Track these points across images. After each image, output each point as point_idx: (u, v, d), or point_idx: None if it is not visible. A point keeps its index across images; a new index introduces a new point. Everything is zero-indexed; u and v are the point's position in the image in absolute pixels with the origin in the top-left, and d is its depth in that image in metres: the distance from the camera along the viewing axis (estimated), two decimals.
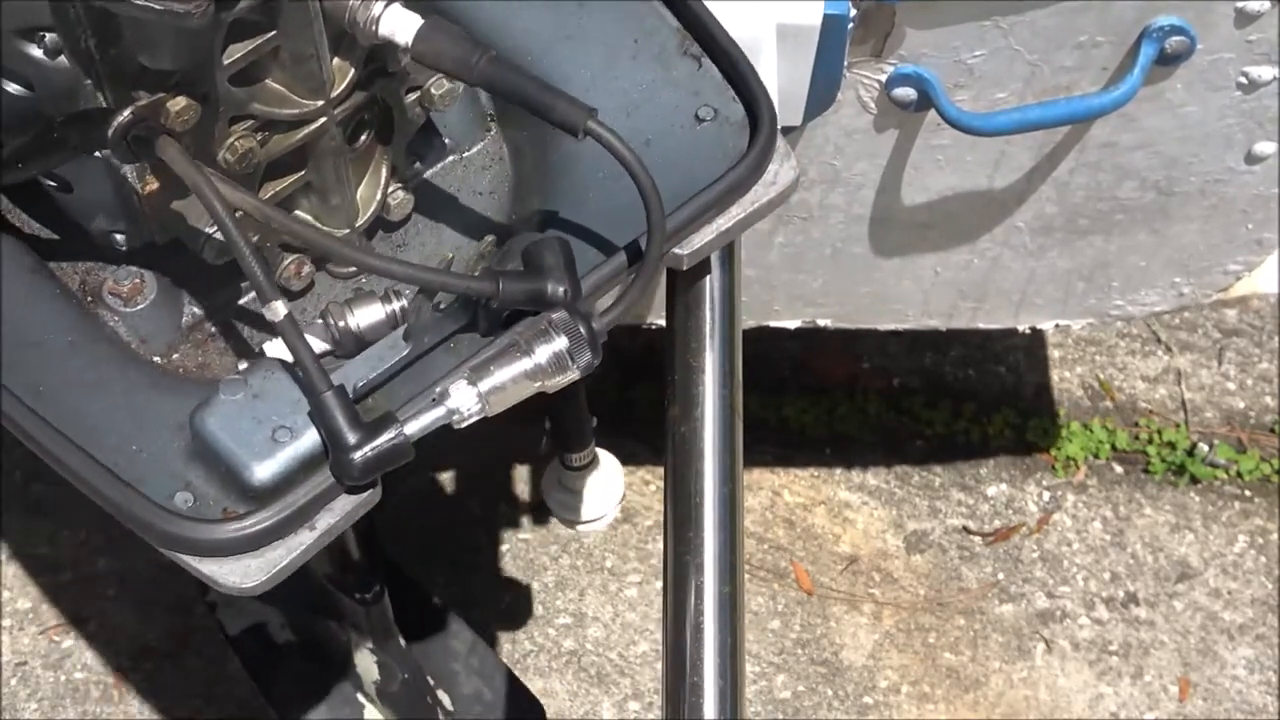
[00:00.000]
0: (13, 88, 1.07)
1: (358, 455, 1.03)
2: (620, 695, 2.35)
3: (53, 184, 1.16)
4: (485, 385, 1.05)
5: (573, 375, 1.08)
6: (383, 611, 1.82)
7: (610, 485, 2.05)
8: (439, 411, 1.05)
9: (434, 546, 2.42)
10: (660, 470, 1.99)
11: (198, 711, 2.30)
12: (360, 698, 1.98)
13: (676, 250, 1.19)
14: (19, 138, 1.09)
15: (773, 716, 2.35)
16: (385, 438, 1.04)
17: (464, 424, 1.06)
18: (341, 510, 1.07)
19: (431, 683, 1.98)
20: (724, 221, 1.20)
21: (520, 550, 2.47)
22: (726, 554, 1.22)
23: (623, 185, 1.13)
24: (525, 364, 1.06)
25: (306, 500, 1.06)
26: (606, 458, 2.05)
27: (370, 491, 1.08)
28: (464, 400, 1.05)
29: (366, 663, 1.93)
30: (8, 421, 1.10)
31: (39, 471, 2.49)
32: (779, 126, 1.23)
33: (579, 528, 2.08)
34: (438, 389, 1.06)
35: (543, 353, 1.06)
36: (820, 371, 2.68)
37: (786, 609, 2.44)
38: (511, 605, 2.42)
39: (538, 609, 2.42)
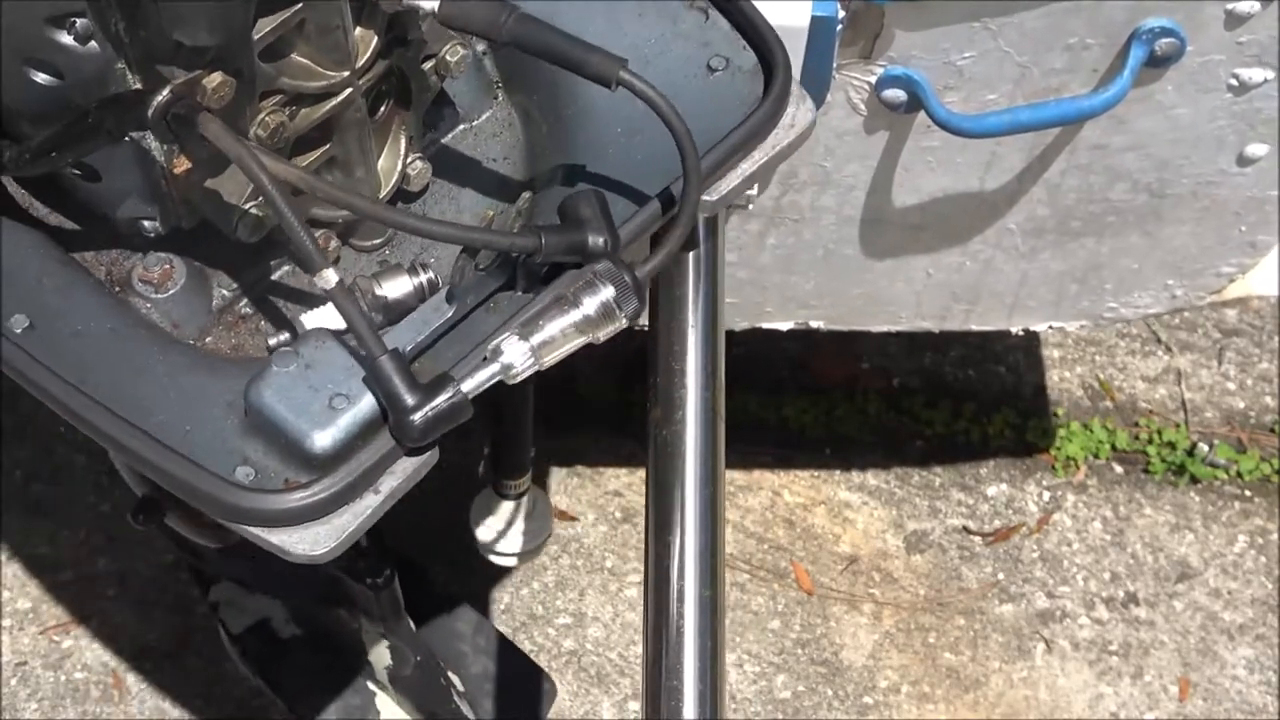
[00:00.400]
0: (42, 77, 1.07)
1: (418, 416, 1.04)
2: (620, 695, 2.35)
3: (79, 173, 1.16)
4: (536, 339, 1.06)
5: (620, 324, 1.09)
6: (393, 596, 1.82)
7: (538, 523, 2.03)
8: (493, 368, 1.06)
9: (434, 546, 2.42)
10: None
11: (198, 711, 2.31)
12: (371, 686, 1.98)
13: (705, 197, 1.20)
14: (50, 127, 1.09)
15: (773, 716, 2.35)
16: (443, 397, 1.05)
17: (518, 379, 1.07)
18: (403, 472, 1.09)
19: (442, 664, 1.98)
20: (748, 166, 1.22)
21: None
22: (708, 558, 1.22)
23: (639, 140, 1.14)
24: (574, 315, 1.07)
25: (369, 465, 1.07)
26: (539, 495, 2.04)
27: (430, 453, 1.09)
28: (516, 355, 1.06)
29: (378, 649, 1.93)
30: (64, 411, 1.11)
31: (39, 471, 2.50)
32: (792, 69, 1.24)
33: (495, 558, 2.06)
34: (490, 346, 1.07)
35: (590, 303, 1.07)
36: (820, 372, 2.68)
37: (786, 609, 2.44)
38: (511, 605, 2.42)
39: (538, 609, 2.42)
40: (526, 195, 1.27)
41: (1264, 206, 1.74)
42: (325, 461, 1.06)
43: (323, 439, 1.06)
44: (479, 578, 2.43)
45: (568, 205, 1.12)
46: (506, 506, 2.00)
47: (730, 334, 1.98)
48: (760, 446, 2.59)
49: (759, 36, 1.25)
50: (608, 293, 1.08)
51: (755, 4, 1.34)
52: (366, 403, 1.07)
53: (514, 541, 2.02)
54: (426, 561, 2.39)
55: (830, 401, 2.64)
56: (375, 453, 1.07)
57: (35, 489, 2.48)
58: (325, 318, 1.17)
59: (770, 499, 2.55)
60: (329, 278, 1.03)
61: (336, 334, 1.10)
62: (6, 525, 2.45)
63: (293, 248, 1.03)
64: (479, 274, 1.12)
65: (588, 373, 2.58)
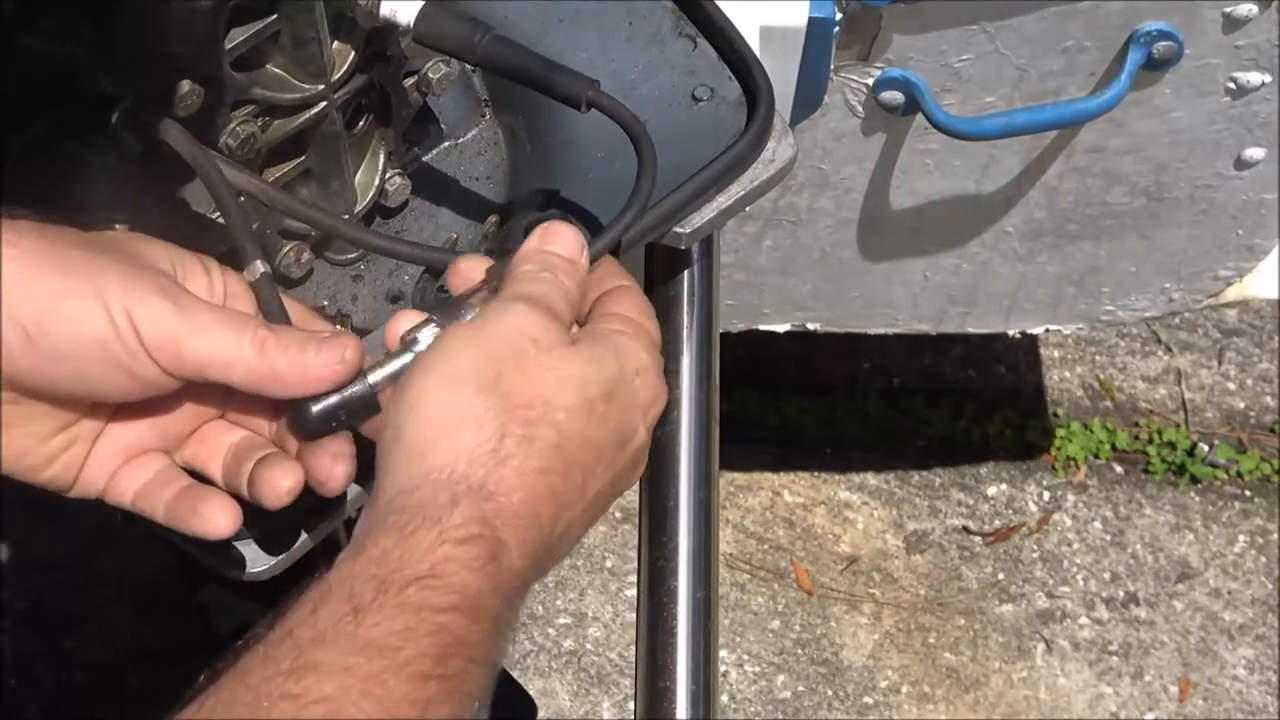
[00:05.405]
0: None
1: (316, 405, 0.96)
2: (620, 695, 2.36)
3: (55, 170, 1.16)
4: None
5: None
6: None
7: None
8: (406, 358, 0.97)
9: None
10: None
11: None
12: None
13: (678, 229, 1.18)
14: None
15: (773, 716, 2.35)
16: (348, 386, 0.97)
17: None
18: (353, 491, 1.05)
19: None
20: (724, 200, 1.19)
21: None
22: (701, 558, 1.22)
23: (620, 165, 1.13)
24: None
25: None
26: None
27: None
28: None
29: None
30: None
31: None
32: (776, 104, 1.23)
33: None
34: (406, 336, 0.99)
35: None
36: (820, 371, 2.68)
37: (786, 609, 2.44)
38: None
39: (538, 609, 2.42)
40: (494, 219, 1.26)
41: (1261, 210, 1.74)
42: None
43: None
44: None
45: (533, 227, 1.11)
46: None
47: (728, 335, 1.99)
48: (760, 446, 2.59)
49: (745, 68, 1.23)
50: None
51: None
52: None
53: None
54: None
55: (830, 401, 2.64)
56: None
57: (35, 488, 2.47)
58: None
59: (770, 499, 2.55)
60: (257, 268, 1.00)
61: None
62: (6, 525, 2.45)
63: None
64: (441, 295, 1.11)
65: None
